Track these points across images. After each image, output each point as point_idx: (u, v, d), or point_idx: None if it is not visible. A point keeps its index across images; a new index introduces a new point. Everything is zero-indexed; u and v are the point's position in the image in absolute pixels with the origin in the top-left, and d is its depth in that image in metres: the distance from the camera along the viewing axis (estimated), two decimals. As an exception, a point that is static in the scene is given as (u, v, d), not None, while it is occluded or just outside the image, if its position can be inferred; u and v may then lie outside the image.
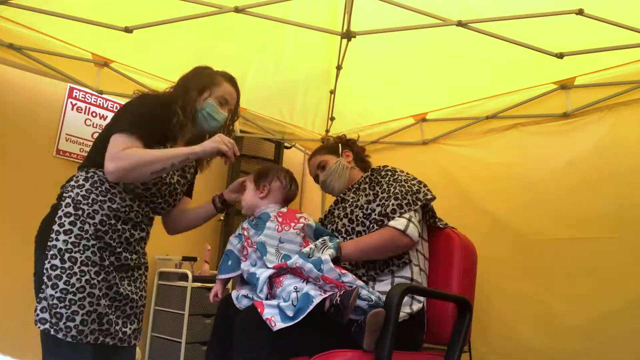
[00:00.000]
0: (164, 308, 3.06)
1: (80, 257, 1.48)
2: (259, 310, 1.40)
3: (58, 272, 1.45)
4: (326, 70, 2.87)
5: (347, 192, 1.96)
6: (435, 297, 1.70)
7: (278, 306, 1.38)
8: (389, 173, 1.85)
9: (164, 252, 3.21)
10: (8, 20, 2.33)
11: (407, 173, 1.87)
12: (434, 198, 1.81)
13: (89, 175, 1.58)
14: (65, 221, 1.50)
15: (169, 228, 1.84)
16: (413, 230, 1.67)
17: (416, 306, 1.66)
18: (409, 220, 1.68)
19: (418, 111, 3.07)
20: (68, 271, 1.46)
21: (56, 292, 1.43)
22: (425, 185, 1.83)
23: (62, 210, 1.52)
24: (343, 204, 1.91)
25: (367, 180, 1.90)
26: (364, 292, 1.45)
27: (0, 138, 2.74)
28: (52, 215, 1.53)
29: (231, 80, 1.77)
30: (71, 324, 1.43)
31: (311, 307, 1.35)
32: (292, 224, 1.61)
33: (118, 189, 1.58)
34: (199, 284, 2.99)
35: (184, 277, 2.99)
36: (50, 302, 1.44)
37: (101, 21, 2.23)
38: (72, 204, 1.52)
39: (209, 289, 2.99)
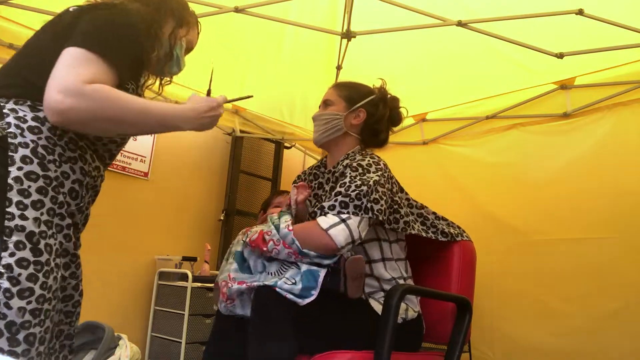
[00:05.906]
0: (164, 308, 3.06)
1: (55, 245, 1.01)
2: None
3: (31, 270, 0.95)
4: (326, 70, 2.87)
5: (329, 168, 1.70)
6: (435, 297, 1.70)
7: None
8: (360, 170, 1.49)
9: (164, 252, 3.21)
10: (8, 20, 2.33)
11: (379, 177, 1.49)
12: (380, 220, 1.45)
13: (40, 114, 1.02)
14: (30, 187, 0.96)
15: None
16: (339, 233, 1.35)
17: (411, 313, 1.59)
18: (343, 220, 1.37)
19: (418, 111, 3.07)
20: (45, 268, 0.97)
21: (29, 305, 0.94)
22: (386, 201, 1.47)
23: (20, 169, 0.96)
24: (322, 190, 1.71)
25: (344, 164, 1.58)
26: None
27: (0, 138, 2.73)
28: None
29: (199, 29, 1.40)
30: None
31: (320, 280, 1.30)
32: None
33: (86, 141, 1.10)
34: (199, 284, 2.98)
35: (184, 277, 2.99)
36: (18, 320, 0.92)
37: (101, 21, 2.23)
38: (34, 158, 0.98)
39: (209, 289, 3.00)
